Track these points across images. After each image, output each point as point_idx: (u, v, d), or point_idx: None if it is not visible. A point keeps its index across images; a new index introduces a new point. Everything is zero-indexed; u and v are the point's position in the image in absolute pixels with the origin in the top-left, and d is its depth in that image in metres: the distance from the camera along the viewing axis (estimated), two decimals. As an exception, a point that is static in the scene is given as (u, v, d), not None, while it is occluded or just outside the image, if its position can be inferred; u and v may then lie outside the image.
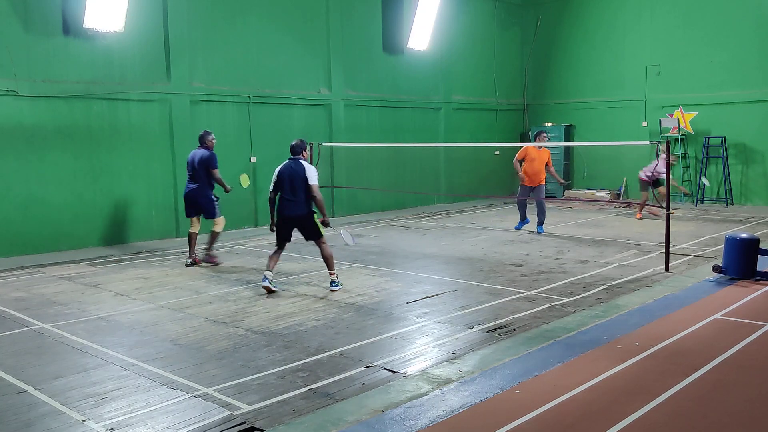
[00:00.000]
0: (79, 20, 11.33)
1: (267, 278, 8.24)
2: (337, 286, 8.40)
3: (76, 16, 11.35)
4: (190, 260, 10.13)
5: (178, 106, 12.84)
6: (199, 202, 10.01)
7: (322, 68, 15.37)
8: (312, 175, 8.20)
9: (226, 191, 10.22)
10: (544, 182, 12.78)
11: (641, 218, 14.53)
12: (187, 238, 10.50)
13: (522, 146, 13.14)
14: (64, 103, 11.46)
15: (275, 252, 8.46)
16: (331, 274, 8.45)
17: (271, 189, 8.37)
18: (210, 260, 10.14)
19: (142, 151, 12.48)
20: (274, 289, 8.25)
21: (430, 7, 16.83)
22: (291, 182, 8.16)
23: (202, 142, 10.07)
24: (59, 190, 11.48)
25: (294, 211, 8.23)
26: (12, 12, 10.88)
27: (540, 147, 12.69)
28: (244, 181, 10.51)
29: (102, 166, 11.99)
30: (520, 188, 12.96)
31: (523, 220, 13.13)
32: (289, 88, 14.72)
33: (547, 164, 12.71)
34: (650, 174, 13.67)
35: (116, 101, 12.08)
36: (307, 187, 8.17)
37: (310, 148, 13.91)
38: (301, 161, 8.31)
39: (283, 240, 8.46)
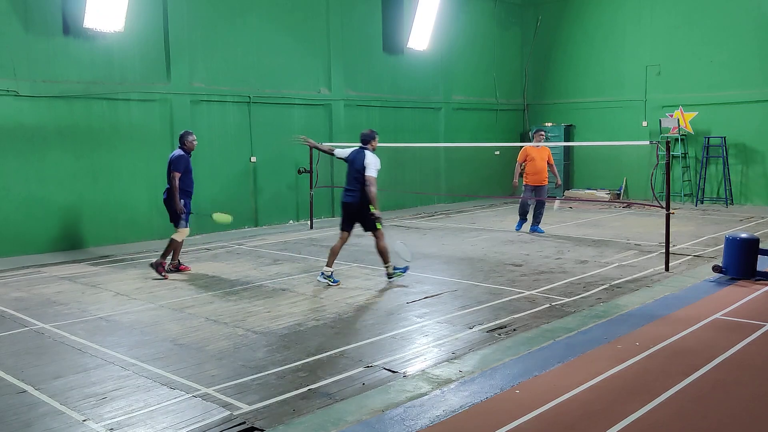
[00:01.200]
0: (79, 20, 11.33)
1: (323, 274, 8.65)
2: (391, 278, 8.65)
3: (76, 16, 11.35)
4: (170, 266, 9.55)
5: (179, 106, 12.84)
6: (168, 206, 9.34)
7: (322, 68, 15.37)
8: (370, 166, 8.31)
9: (177, 209, 9.19)
10: (546, 182, 12.73)
11: None
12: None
13: (522, 147, 13.05)
14: (64, 103, 11.46)
15: (339, 241, 8.67)
16: (386, 266, 8.65)
17: (339, 153, 8.86)
18: (169, 269, 9.38)
19: (142, 151, 12.48)
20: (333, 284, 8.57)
21: (430, 7, 16.83)
22: (352, 170, 8.51)
23: (181, 142, 9.35)
24: (59, 190, 11.48)
25: (347, 199, 8.57)
26: (12, 12, 10.88)
27: (538, 145, 12.66)
28: (222, 218, 9.74)
29: (102, 166, 11.99)
30: (524, 188, 12.86)
31: (523, 221, 13.08)
32: (289, 88, 14.72)
33: (549, 162, 12.68)
34: None
35: (116, 101, 12.09)
36: (364, 178, 8.33)
37: (310, 147, 13.94)
38: (365, 151, 8.48)
39: (344, 225, 8.71)
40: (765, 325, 6.51)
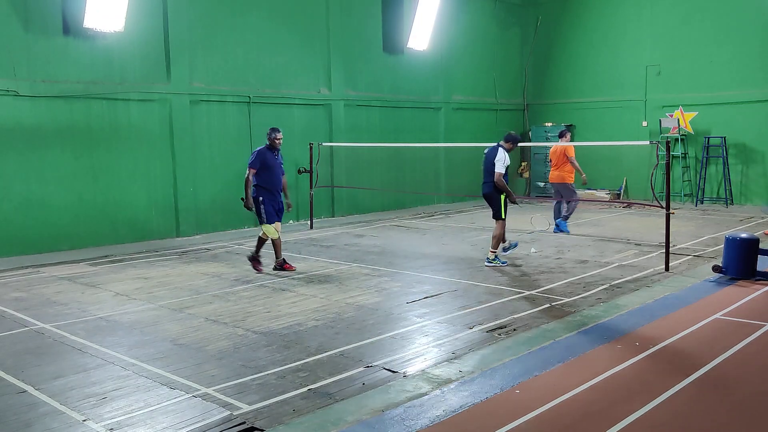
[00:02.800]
0: (79, 20, 11.33)
1: (488, 259, 9.71)
2: (490, 262, 9.63)
3: (76, 16, 11.34)
4: (274, 264, 9.64)
5: (178, 106, 12.84)
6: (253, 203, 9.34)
7: (322, 68, 15.37)
8: (498, 162, 9.47)
9: (246, 203, 9.23)
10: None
11: None
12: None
13: (565, 146, 12.70)
14: (64, 103, 11.46)
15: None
16: (491, 251, 9.68)
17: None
18: (284, 267, 9.56)
19: (142, 151, 12.48)
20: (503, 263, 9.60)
21: (430, 7, 16.82)
22: (485, 164, 9.75)
23: (268, 138, 9.36)
24: (59, 190, 11.47)
25: (483, 190, 9.82)
26: (12, 12, 10.88)
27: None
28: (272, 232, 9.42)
29: (102, 166, 11.98)
30: (569, 187, 12.77)
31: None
32: (289, 88, 14.72)
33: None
34: None
35: (116, 101, 12.08)
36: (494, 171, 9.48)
37: (313, 147, 13.95)
38: (499, 148, 9.62)
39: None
40: (765, 325, 6.51)
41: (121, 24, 11.67)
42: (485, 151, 9.91)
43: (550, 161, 13.06)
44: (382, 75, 16.71)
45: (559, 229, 12.63)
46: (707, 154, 16.95)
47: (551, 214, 13.43)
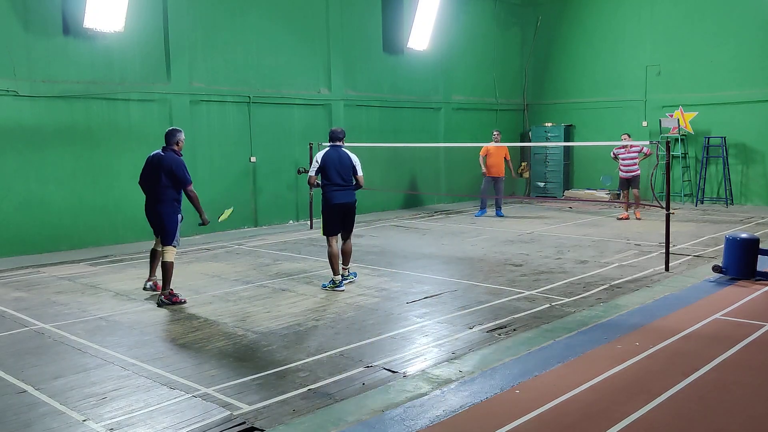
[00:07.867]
0: (79, 20, 11.33)
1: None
2: (341, 282, 8.53)
3: (76, 16, 11.34)
4: (150, 283, 8.39)
5: (178, 106, 12.83)
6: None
7: (322, 68, 15.36)
8: (356, 164, 8.91)
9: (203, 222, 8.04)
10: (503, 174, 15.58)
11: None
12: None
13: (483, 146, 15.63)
14: (64, 103, 11.45)
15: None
16: (343, 268, 8.71)
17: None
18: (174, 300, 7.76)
19: (142, 151, 12.38)
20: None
21: (430, 7, 16.82)
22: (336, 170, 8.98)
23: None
24: (59, 190, 11.47)
25: (342, 199, 8.93)
26: (12, 12, 10.88)
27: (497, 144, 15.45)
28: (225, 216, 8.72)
29: (102, 166, 11.98)
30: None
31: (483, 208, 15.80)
32: (289, 88, 14.71)
33: (505, 157, 15.63)
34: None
35: (116, 101, 12.08)
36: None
37: (313, 147, 13.95)
38: (342, 149, 9.01)
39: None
40: (765, 325, 6.51)
41: (121, 24, 11.66)
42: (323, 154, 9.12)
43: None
44: (382, 75, 16.70)
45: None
46: (707, 154, 16.94)
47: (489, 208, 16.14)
